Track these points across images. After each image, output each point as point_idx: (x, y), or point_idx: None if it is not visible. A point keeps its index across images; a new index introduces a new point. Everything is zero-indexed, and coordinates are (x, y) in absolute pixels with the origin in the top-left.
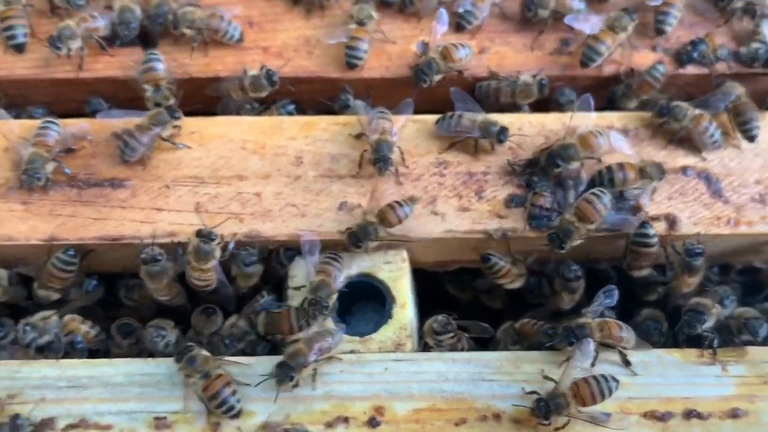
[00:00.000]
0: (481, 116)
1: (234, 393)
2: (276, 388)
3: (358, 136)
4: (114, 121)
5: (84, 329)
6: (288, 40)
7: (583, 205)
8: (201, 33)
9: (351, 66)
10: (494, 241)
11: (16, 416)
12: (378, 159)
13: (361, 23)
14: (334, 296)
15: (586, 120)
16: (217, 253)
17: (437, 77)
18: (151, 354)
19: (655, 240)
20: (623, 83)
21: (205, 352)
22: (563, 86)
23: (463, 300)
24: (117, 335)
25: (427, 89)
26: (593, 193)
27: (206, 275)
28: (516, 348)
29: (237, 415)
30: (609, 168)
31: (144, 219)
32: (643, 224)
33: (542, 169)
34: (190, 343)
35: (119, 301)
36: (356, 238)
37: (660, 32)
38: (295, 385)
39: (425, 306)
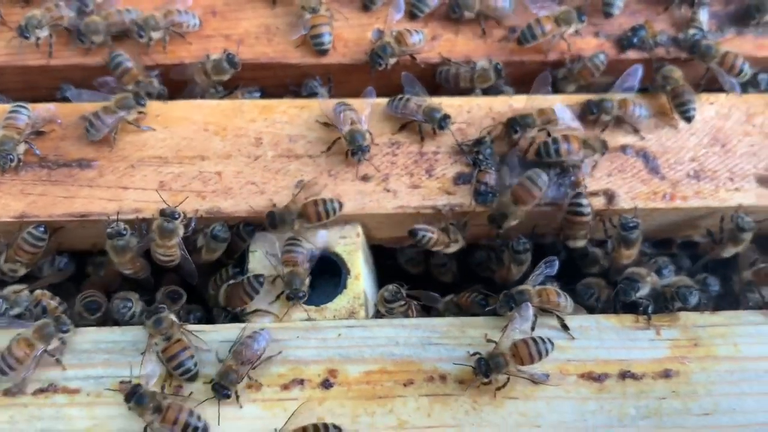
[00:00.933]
0: (427, 101)
1: (191, 357)
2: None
3: (327, 124)
4: (83, 105)
5: (53, 304)
6: (250, 28)
7: (518, 189)
8: (167, 32)
9: (322, 53)
10: (443, 216)
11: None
12: (355, 150)
13: (313, 10)
14: (307, 279)
15: (532, 101)
16: (180, 231)
17: (392, 60)
18: (116, 323)
19: (588, 209)
20: (565, 68)
21: (172, 317)
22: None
23: (415, 274)
24: (84, 312)
25: (383, 75)
26: (528, 177)
27: (170, 251)
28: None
29: (193, 378)
30: (555, 139)
31: (111, 197)
32: (577, 194)
33: (492, 141)
34: (161, 305)
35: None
36: (272, 221)
37: (607, 15)
38: (237, 397)
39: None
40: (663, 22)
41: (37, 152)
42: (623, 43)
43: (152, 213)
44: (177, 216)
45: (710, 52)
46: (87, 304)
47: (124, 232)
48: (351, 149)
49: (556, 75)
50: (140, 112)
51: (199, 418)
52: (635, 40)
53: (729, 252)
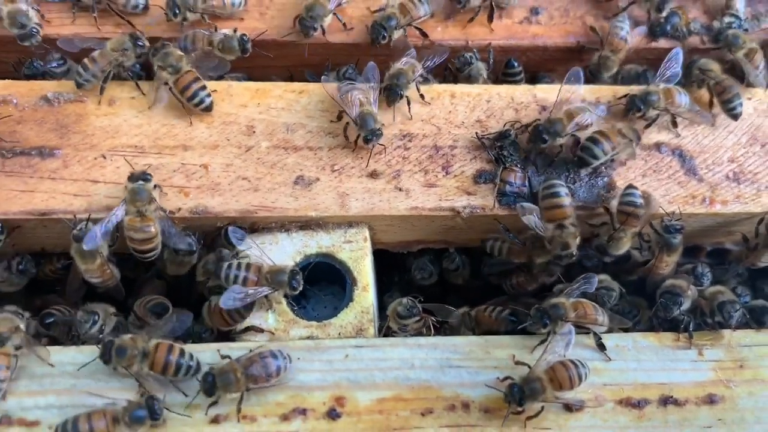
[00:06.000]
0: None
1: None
2: None
3: (339, 117)
4: (43, 84)
5: None
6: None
7: (548, 213)
8: (100, 1)
9: (207, 110)
10: (461, 219)
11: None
12: (368, 134)
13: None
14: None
15: (565, 93)
16: (157, 195)
17: (396, 33)
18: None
19: (640, 200)
20: (595, 51)
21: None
22: None
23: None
24: (39, 326)
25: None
26: (549, 194)
27: (148, 226)
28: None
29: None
30: (594, 139)
31: (77, 192)
32: (629, 186)
33: (517, 135)
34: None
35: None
36: None
37: None
38: (215, 403)
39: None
40: (696, 9)
41: None
42: (655, 30)
43: None
44: (149, 177)
45: (737, 42)
46: (42, 317)
47: None
48: (363, 134)
49: (590, 66)
50: (138, 57)
51: (191, 356)
52: (668, 27)
53: (766, 260)
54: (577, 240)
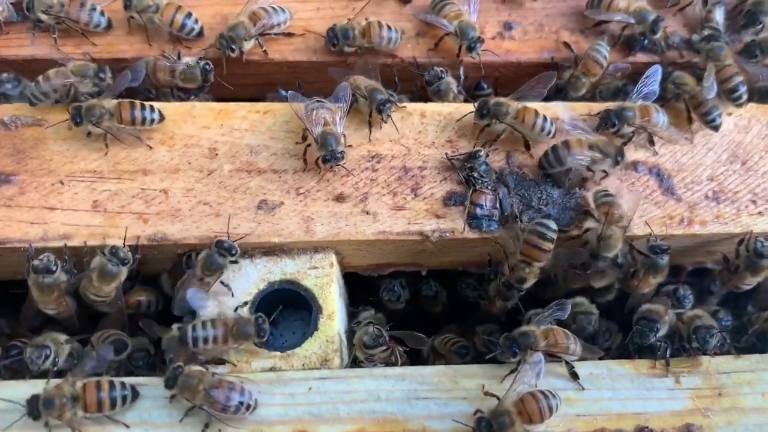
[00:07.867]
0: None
1: None
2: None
3: (304, 137)
4: (1, 108)
5: None
6: (203, 18)
7: (528, 249)
8: (61, 22)
9: None
10: (430, 243)
11: None
12: (327, 155)
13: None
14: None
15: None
16: (124, 275)
17: (349, 49)
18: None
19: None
20: (567, 69)
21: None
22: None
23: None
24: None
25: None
26: (535, 231)
27: (104, 293)
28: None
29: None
30: (554, 147)
31: (34, 219)
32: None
33: (488, 155)
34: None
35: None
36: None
37: None
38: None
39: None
40: (675, 22)
41: None
42: (633, 44)
43: (84, 240)
44: (126, 261)
45: (721, 52)
46: (7, 349)
47: (54, 269)
48: (323, 155)
49: (562, 83)
50: (95, 85)
51: (123, 385)
52: (646, 41)
53: (748, 283)
54: (535, 279)
